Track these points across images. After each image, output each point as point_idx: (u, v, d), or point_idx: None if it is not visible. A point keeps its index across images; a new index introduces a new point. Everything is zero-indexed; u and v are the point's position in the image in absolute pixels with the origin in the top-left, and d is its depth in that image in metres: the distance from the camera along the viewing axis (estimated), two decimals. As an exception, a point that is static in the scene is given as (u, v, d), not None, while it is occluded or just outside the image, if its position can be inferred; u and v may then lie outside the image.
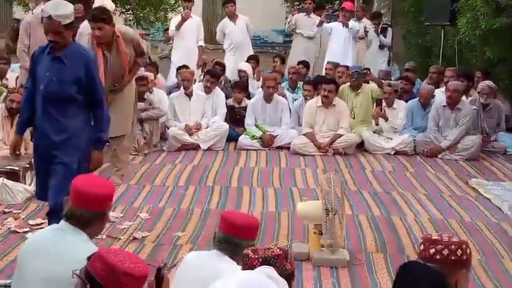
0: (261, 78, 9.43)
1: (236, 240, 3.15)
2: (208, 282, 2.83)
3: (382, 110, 8.46)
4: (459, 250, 2.70)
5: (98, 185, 2.99)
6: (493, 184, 6.92)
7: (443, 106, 8.31)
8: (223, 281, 2.39)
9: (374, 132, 8.47)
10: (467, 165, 7.76)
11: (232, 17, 11.32)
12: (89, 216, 2.93)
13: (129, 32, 6.60)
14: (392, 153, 8.15)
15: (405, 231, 5.46)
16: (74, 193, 2.97)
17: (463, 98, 8.51)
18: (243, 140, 8.41)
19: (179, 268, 3.44)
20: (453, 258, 2.68)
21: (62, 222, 2.99)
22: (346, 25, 10.99)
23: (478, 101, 8.65)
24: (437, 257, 2.69)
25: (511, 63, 9.48)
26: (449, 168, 7.61)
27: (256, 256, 2.63)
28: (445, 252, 2.69)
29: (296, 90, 9.71)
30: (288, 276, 2.67)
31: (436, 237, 2.76)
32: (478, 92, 8.69)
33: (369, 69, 9.42)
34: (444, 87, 9.10)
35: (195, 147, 8.28)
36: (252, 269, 2.54)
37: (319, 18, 11.49)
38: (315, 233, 4.85)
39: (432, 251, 2.70)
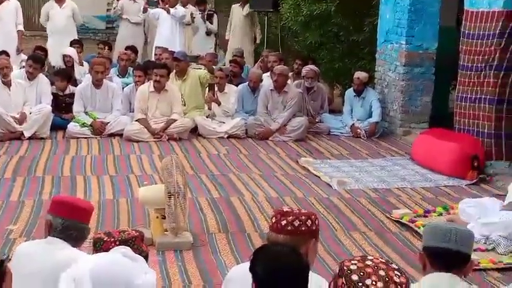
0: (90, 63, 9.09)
1: (80, 224, 3.01)
2: (51, 273, 2.68)
3: (215, 95, 8.56)
4: (309, 221, 2.80)
5: None
6: (321, 162, 7.30)
7: (271, 90, 8.59)
8: (78, 266, 2.26)
9: (207, 116, 8.55)
10: (296, 145, 8.10)
11: (59, 0, 10.86)
12: None
13: None
14: (226, 136, 8.27)
15: (244, 211, 5.60)
16: None
17: (289, 81, 8.84)
18: (72, 128, 8.06)
19: (12, 262, 3.21)
20: (303, 228, 2.77)
21: None
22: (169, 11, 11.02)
23: (303, 84, 9.04)
24: (289, 228, 2.76)
25: (331, 48, 10.02)
26: (279, 149, 7.89)
27: (112, 239, 2.54)
28: (296, 223, 2.77)
29: (126, 75, 9.50)
30: (144, 258, 2.61)
31: (287, 210, 2.83)
32: (303, 76, 9.07)
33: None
34: (269, 72, 9.43)
35: (19, 136, 7.79)
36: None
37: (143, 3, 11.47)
38: (157, 217, 4.81)
39: (284, 222, 2.77)
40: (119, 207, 5.57)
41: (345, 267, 2.08)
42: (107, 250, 2.50)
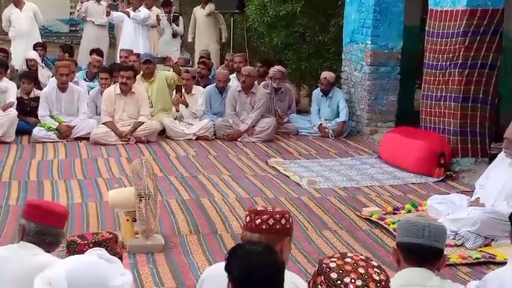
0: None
1: (53, 230, 2.94)
2: (24, 279, 2.64)
3: (182, 96, 8.52)
4: (283, 219, 2.80)
5: None
6: (290, 162, 7.32)
7: (239, 91, 8.58)
8: (53, 269, 2.22)
9: (175, 118, 8.50)
10: (265, 146, 8.11)
11: (18, 3, 10.80)
12: None
13: None
14: (194, 138, 8.23)
15: (215, 212, 5.59)
16: None
17: (256, 82, 8.84)
18: (38, 132, 7.95)
19: None
20: (278, 227, 2.77)
21: None
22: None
23: (270, 85, 9.05)
24: (263, 226, 2.76)
25: (297, 48, 10.05)
26: (248, 150, 7.89)
27: (85, 242, 2.52)
28: (271, 221, 2.77)
29: (94, 79, 9.39)
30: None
31: (261, 209, 2.83)
32: (270, 77, 9.08)
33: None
34: (235, 73, 9.42)
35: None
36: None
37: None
38: (128, 220, 4.76)
39: (258, 221, 2.77)
40: (88, 211, 5.52)
41: (324, 265, 2.06)
42: (81, 252, 2.47)
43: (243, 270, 2.16)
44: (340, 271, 2.02)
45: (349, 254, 2.09)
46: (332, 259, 2.06)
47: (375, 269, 2.04)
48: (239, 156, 7.56)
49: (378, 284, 2.01)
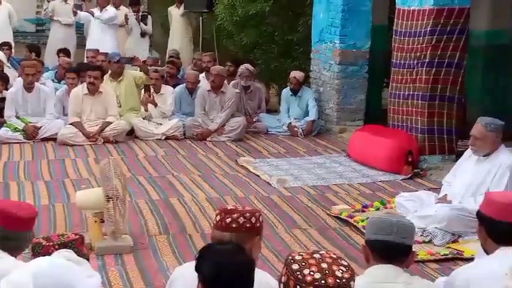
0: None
1: (19, 234, 2.82)
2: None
3: (151, 96, 8.46)
4: (253, 218, 2.80)
5: None
6: (260, 161, 7.32)
7: (208, 91, 8.55)
8: (19, 271, 2.18)
9: (144, 118, 8.44)
10: (235, 145, 8.10)
11: None
12: None
13: None
14: (163, 138, 8.18)
15: (185, 212, 5.56)
16: None
17: (225, 81, 8.82)
18: (4, 133, 7.83)
19: None
20: (248, 225, 2.77)
21: None
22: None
23: (240, 84, 9.04)
24: (234, 225, 2.75)
25: (266, 48, 10.05)
26: (218, 149, 7.86)
27: (50, 243, 2.48)
28: (241, 220, 2.76)
29: (62, 81, 9.26)
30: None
31: (231, 208, 2.83)
32: (239, 75, 9.07)
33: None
34: (204, 73, 9.39)
35: None
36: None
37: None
38: (96, 221, 4.71)
39: (228, 220, 2.76)
40: (55, 212, 5.44)
41: (290, 257, 2.15)
42: (47, 254, 2.42)
43: (213, 270, 2.16)
44: (303, 263, 2.10)
45: (321, 252, 2.13)
46: (301, 253, 2.13)
47: (341, 267, 2.08)
48: (209, 155, 7.54)
49: (338, 280, 2.06)
